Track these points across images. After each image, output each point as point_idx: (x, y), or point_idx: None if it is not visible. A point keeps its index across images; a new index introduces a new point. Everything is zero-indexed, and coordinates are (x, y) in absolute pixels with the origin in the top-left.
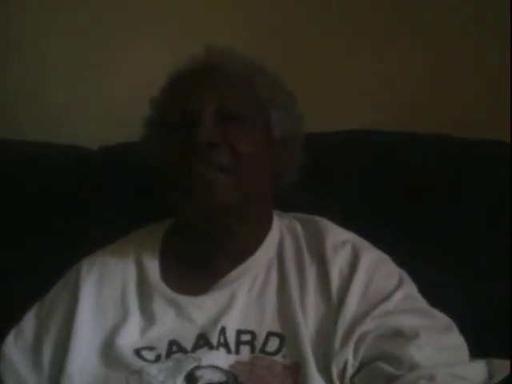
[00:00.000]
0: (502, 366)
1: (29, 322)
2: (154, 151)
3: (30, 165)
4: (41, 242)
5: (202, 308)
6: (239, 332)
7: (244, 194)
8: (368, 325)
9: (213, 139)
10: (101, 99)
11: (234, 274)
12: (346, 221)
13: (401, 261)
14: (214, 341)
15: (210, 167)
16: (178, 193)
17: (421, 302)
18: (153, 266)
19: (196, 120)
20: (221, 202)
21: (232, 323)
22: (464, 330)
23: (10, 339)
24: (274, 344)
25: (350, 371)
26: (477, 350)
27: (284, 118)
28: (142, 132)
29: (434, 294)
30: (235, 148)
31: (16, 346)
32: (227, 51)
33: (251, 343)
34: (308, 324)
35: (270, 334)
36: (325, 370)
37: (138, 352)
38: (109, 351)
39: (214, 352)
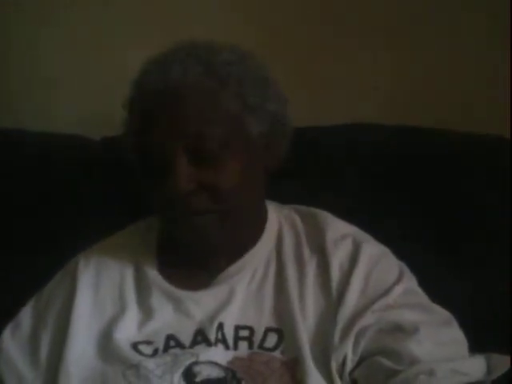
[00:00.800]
0: (501, 361)
1: (26, 316)
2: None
3: (31, 155)
4: (42, 234)
5: (201, 303)
6: (237, 328)
7: (235, 222)
8: (368, 319)
9: (189, 188)
10: (103, 89)
11: (232, 268)
12: (345, 214)
13: (399, 256)
14: (212, 337)
15: (196, 215)
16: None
17: (421, 296)
18: (150, 260)
19: (168, 163)
20: (211, 244)
21: (230, 319)
22: (464, 327)
23: (6, 333)
24: (272, 340)
25: (349, 366)
26: (477, 347)
27: (260, 118)
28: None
29: (435, 289)
30: (215, 187)
31: (13, 340)
32: (185, 56)
33: (249, 339)
34: (307, 319)
35: (268, 330)
36: (324, 365)
37: (135, 346)
38: (106, 345)
39: (212, 348)
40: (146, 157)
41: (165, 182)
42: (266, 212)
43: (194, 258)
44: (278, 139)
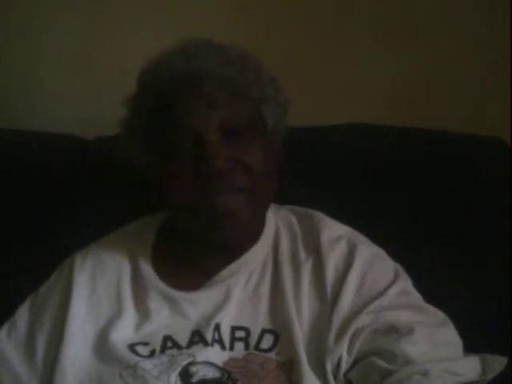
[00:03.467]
0: (496, 362)
1: (22, 316)
2: (145, 162)
3: (25, 155)
4: (38, 234)
5: (197, 304)
6: (234, 328)
7: (258, 209)
8: (363, 320)
9: (227, 165)
10: (98, 89)
11: (229, 269)
12: (343, 215)
13: (398, 256)
14: (209, 337)
15: (229, 193)
16: (188, 219)
17: (416, 297)
18: (146, 261)
19: (204, 146)
20: (242, 227)
21: (226, 319)
22: (461, 328)
23: (2, 332)
24: (268, 341)
25: (344, 367)
26: (473, 348)
27: (273, 109)
28: (120, 133)
29: (433, 290)
30: (248, 166)
31: (9, 340)
32: (205, 48)
33: (245, 340)
34: (302, 320)
35: (264, 331)
36: (319, 367)
37: (132, 347)
38: (102, 345)
39: (209, 348)
40: (167, 140)
41: (197, 163)
42: (266, 215)
43: (192, 258)
44: (278, 137)
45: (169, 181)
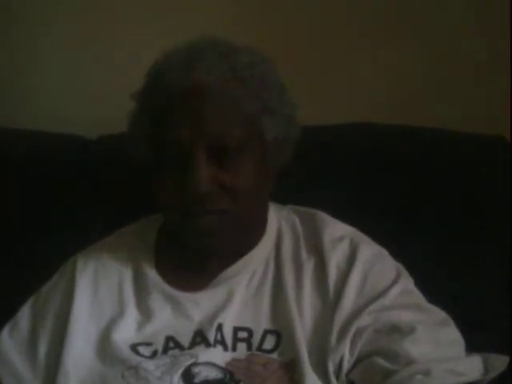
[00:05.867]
0: (498, 361)
1: (24, 316)
2: (146, 151)
3: (28, 154)
4: (40, 235)
5: (199, 304)
6: (236, 329)
7: (244, 223)
8: (364, 320)
9: (210, 188)
10: (99, 88)
11: (231, 270)
12: (345, 214)
13: (398, 256)
14: (211, 338)
15: (211, 215)
16: (178, 232)
17: (418, 296)
18: (149, 261)
19: (187, 156)
20: (222, 244)
21: (229, 320)
22: (462, 327)
23: (4, 333)
24: (270, 342)
25: (346, 367)
26: (474, 347)
27: (277, 121)
28: (128, 125)
29: (434, 289)
30: (232, 188)
31: (11, 340)
32: (210, 54)
33: (248, 340)
34: (304, 320)
35: (266, 332)
36: (321, 367)
37: (134, 347)
38: (105, 346)
39: (211, 349)
40: (162, 155)
41: (182, 181)
42: (267, 213)
43: (193, 259)
44: (287, 145)
45: (159, 190)
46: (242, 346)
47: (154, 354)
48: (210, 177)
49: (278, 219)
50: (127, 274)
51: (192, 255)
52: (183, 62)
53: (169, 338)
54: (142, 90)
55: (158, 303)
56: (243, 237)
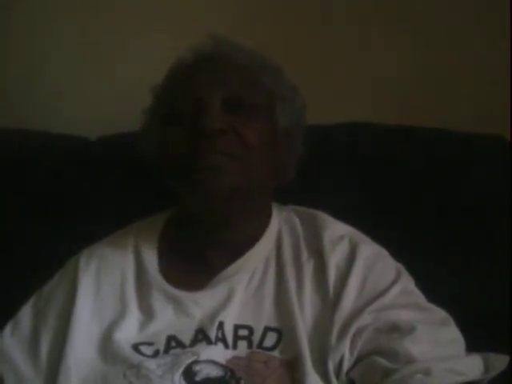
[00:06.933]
0: (498, 361)
1: (26, 314)
2: (155, 141)
3: (28, 154)
4: (40, 235)
5: (201, 303)
6: (237, 327)
7: (250, 182)
8: (364, 319)
9: (222, 126)
10: (100, 88)
11: (232, 268)
12: (345, 214)
13: (398, 256)
14: (212, 336)
15: (220, 154)
16: (183, 181)
17: (418, 296)
18: (151, 260)
19: (203, 107)
20: (231, 185)
21: (230, 318)
22: (463, 326)
23: (6, 331)
24: (271, 339)
25: (346, 366)
26: (475, 346)
27: (288, 110)
28: (142, 123)
29: (434, 289)
30: (243, 137)
31: (13, 339)
32: (232, 42)
33: (248, 338)
34: (305, 319)
35: (267, 329)
36: (321, 365)
37: (136, 347)
38: (107, 345)
39: (212, 347)
40: (178, 98)
41: (197, 119)
42: (269, 215)
43: (194, 254)
44: (295, 143)
45: (166, 146)
46: (242, 344)
47: (156, 354)
48: (223, 118)
49: (279, 219)
50: (129, 274)
51: (195, 251)
52: (205, 45)
53: (170, 338)
54: (163, 84)
55: (159, 303)
56: (246, 212)
